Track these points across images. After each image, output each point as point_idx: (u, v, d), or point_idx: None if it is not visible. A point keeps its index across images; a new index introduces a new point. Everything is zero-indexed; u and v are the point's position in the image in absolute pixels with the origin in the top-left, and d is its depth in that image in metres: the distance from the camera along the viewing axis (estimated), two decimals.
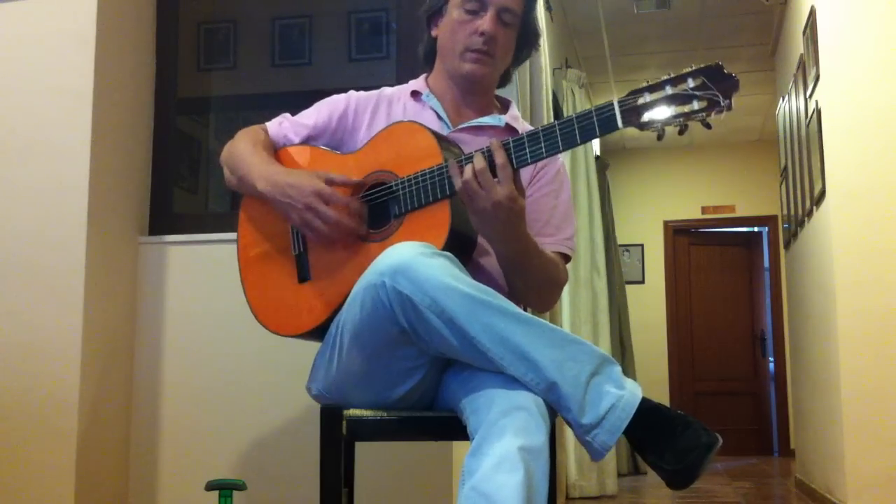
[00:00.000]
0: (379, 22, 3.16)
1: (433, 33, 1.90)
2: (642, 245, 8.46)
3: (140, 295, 2.62)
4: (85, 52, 2.46)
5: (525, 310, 1.56)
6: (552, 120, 4.02)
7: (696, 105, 1.46)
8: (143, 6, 2.73)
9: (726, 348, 8.35)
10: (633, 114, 1.49)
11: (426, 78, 1.95)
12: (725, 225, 8.56)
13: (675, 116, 1.48)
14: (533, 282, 1.72)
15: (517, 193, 1.56)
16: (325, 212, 1.67)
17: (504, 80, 1.97)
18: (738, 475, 6.10)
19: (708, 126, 1.48)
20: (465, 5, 1.80)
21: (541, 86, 4.14)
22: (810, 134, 4.32)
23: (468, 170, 1.55)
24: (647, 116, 1.49)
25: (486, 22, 1.78)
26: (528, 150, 1.56)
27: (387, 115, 1.88)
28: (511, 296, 1.73)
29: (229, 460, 2.49)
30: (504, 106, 1.96)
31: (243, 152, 1.83)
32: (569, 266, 1.88)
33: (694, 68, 1.47)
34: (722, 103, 1.44)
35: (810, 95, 4.29)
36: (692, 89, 1.46)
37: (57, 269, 2.39)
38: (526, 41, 1.90)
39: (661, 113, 1.48)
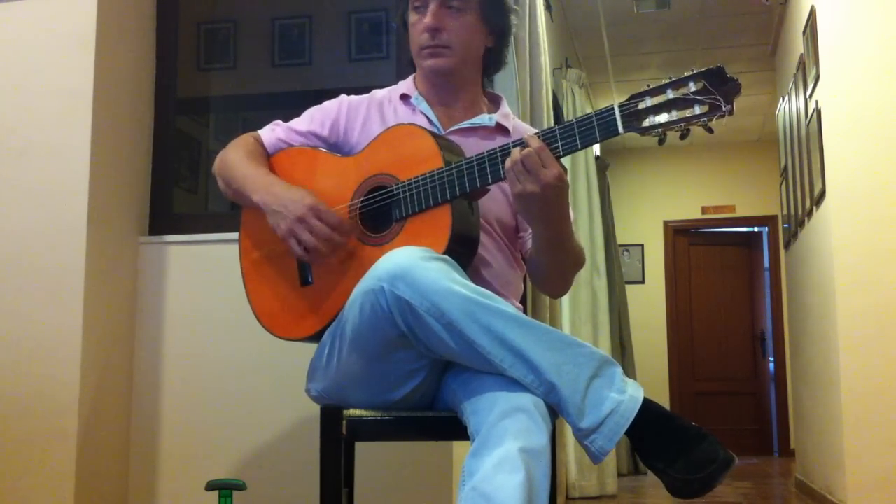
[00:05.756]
0: (379, 22, 3.15)
1: None
2: (642, 245, 8.46)
3: (140, 295, 2.62)
4: (85, 52, 2.46)
5: (526, 312, 1.55)
6: (552, 120, 4.03)
7: (697, 110, 1.45)
8: (143, 6, 2.73)
9: (726, 348, 8.34)
10: (633, 118, 1.48)
11: (414, 78, 1.94)
12: (725, 225, 8.56)
13: (677, 121, 1.46)
14: (564, 262, 1.73)
15: (563, 172, 1.54)
16: (316, 225, 1.66)
17: (495, 63, 1.92)
18: (738, 475, 6.10)
19: (710, 130, 1.46)
20: (413, 4, 1.81)
21: (541, 86, 4.13)
22: (810, 134, 4.31)
23: (515, 153, 1.54)
24: (647, 121, 1.48)
25: (426, 16, 1.78)
26: None
27: (380, 119, 1.88)
28: (534, 279, 1.75)
29: (229, 460, 2.49)
30: (494, 103, 1.93)
31: (237, 163, 1.83)
32: None
33: (695, 71, 1.46)
34: (724, 108, 1.43)
35: (810, 95, 4.29)
36: (693, 93, 1.45)
37: (57, 269, 2.39)
38: (495, 16, 1.84)
39: (662, 117, 1.47)
